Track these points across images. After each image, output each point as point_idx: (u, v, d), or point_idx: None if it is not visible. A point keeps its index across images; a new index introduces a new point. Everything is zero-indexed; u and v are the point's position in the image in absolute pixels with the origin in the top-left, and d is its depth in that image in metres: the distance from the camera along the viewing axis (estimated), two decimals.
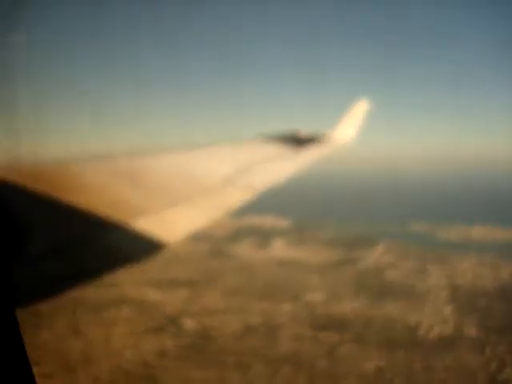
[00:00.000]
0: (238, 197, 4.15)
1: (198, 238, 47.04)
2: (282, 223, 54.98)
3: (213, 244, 47.44)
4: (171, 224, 3.31)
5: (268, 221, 55.66)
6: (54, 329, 27.98)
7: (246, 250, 45.80)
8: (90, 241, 2.78)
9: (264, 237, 49.11)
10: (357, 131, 8.38)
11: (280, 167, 5.47)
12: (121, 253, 2.91)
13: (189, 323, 31.41)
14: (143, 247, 3.03)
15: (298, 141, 6.95)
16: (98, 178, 3.58)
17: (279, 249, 46.34)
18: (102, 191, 3.32)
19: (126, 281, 35.20)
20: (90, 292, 33.94)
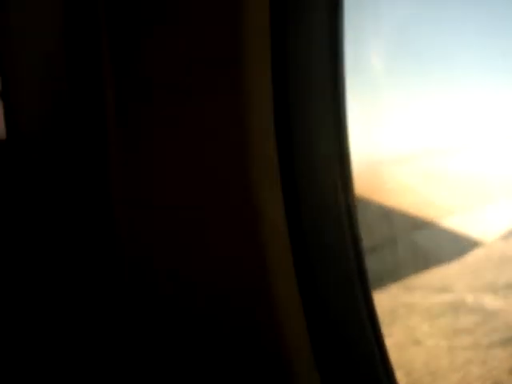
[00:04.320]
0: None
1: None
2: None
3: None
4: (485, 222, 3.33)
5: None
6: (391, 336, 27.91)
7: None
8: (401, 241, 2.91)
9: None
10: None
11: None
12: (432, 252, 2.98)
13: None
14: (456, 246, 3.14)
15: None
16: (405, 178, 3.74)
17: None
18: (410, 191, 3.48)
19: (458, 285, 33.60)
20: (420, 297, 33.26)
